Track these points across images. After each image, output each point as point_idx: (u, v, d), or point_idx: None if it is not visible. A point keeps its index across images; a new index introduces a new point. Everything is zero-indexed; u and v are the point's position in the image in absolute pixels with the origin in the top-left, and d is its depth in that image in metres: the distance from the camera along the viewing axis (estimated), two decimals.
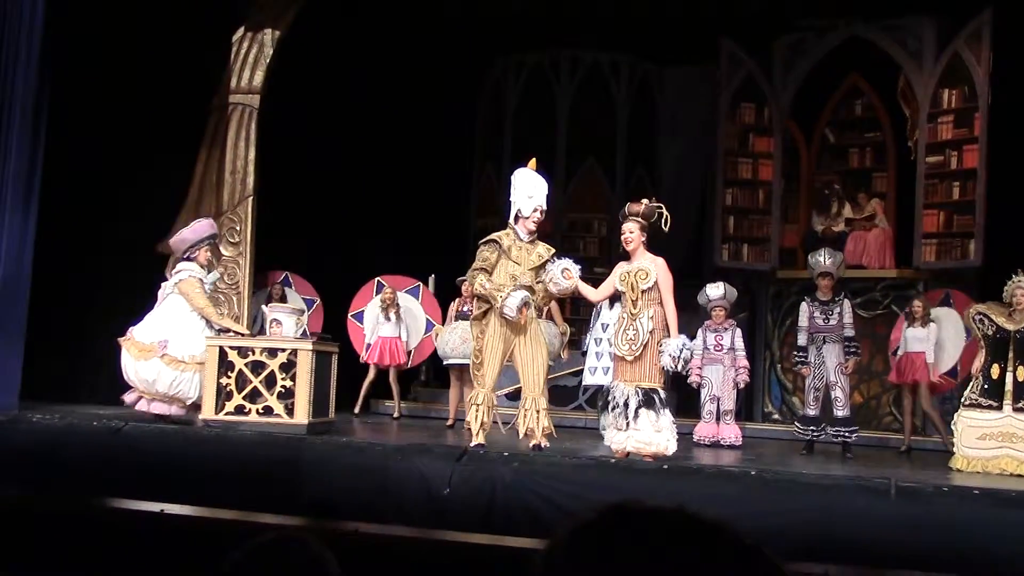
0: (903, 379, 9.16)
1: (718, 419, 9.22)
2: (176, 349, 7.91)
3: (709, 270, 10.99)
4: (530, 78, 12.66)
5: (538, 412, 6.98)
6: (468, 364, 9.38)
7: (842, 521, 5.46)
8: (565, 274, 6.96)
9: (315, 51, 10.47)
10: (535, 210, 7.10)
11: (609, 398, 7.02)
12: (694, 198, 12.46)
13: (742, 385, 9.45)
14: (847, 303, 8.76)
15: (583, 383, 9.87)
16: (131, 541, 5.19)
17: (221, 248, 10.01)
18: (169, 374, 7.89)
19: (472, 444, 6.81)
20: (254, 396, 7.70)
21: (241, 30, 9.98)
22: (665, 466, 6.34)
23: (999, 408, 7.58)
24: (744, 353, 9.39)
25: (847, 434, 8.51)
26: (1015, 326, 7.65)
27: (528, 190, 7.10)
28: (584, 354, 9.63)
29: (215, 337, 7.94)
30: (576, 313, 11.23)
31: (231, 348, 7.74)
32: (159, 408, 7.96)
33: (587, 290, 7.24)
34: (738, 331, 9.44)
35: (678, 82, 12.71)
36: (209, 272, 8.52)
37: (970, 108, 10.24)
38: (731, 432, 9.17)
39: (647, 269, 6.91)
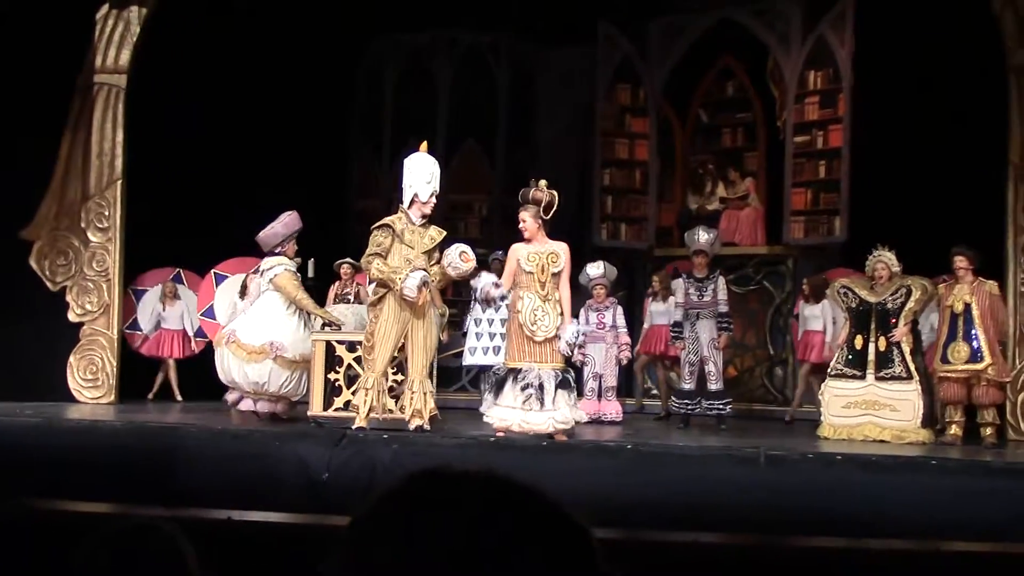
0: (647, 349, 9.95)
1: (600, 396, 9.37)
2: (289, 350, 7.81)
3: (589, 250, 11.12)
4: (409, 58, 12.56)
5: (425, 394, 7.01)
6: None
7: (714, 490, 5.63)
8: (463, 257, 6.98)
9: (186, 28, 10.16)
10: (433, 194, 7.14)
11: (520, 380, 6.95)
12: (573, 178, 12.58)
13: (624, 362, 9.62)
14: (722, 280, 9.01)
15: (464, 364, 9.89)
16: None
17: (88, 234, 9.67)
18: (280, 374, 7.82)
19: (354, 427, 6.77)
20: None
21: (105, 7, 9.63)
22: (544, 443, 6.43)
23: (863, 377, 7.91)
24: (626, 330, 9.57)
25: (721, 407, 8.76)
26: (876, 298, 7.99)
27: (426, 175, 7.13)
28: (465, 335, 9.64)
29: (321, 332, 7.82)
30: (457, 295, 11.23)
31: (338, 343, 7.62)
32: (265, 407, 7.93)
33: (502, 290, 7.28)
34: (619, 309, 9.61)
35: (557, 63, 12.78)
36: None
37: (834, 89, 10.60)
38: (612, 408, 9.34)
39: (558, 252, 7.03)
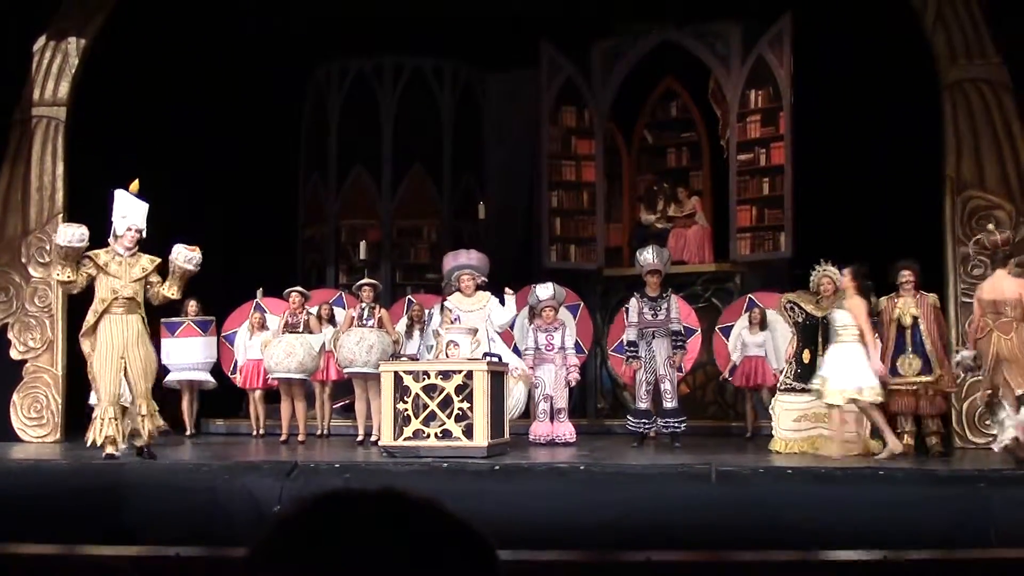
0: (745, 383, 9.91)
1: (552, 418, 9.35)
2: None
3: (539, 272, 11.16)
4: (353, 84, 12.55)
5: (146, 416, 7.29)
6: (296, 378, 9.27)
7: (667, 508, 5.65)
8: (189, 248, 7.56)
9: (127, 59, 10.04)
10: (128, 229, 7.50)
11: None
12: (521, 201, 12.64)
13: (573, 383, 9.61)
14: (674, 298, 9.06)
15: None
16: None
17: (30, 269, 9.49)
18: None
19: (104, 454, 7.06)
20: (429, 420, 7.53)
21: (42, 39, 9.50)
22: (496, 467, 6.41)
23: (812, 391, 7.98)
24: (574, 352, 9.55)
25: (676, 425, 8.79)
26: (822, 312, 8.09)
27: (122, 211, 7.51)
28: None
29: (389, 362, 7.92)
30: None
31: (406, 372, 7.64)
32: None
33: None
34: (567, 330, 9.60)
35: (501, 86, 12.86)
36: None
37: (775, 107, 10.78)
38: (565, 430, 9.30)
39: None
